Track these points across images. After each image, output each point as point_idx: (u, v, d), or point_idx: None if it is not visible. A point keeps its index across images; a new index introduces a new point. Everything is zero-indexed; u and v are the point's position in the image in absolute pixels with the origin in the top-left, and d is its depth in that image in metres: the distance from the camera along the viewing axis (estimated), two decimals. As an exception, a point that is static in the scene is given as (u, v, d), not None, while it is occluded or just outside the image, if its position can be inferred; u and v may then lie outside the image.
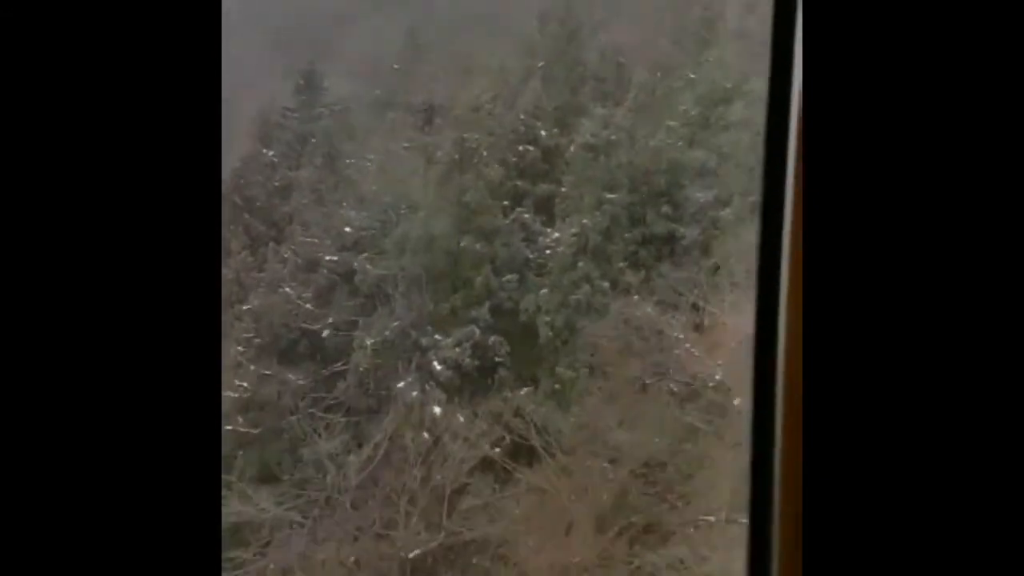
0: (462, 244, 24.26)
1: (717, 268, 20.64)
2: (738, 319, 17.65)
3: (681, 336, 19.68)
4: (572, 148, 23.84)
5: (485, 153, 24.55)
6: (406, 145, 25.44)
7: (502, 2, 45.14)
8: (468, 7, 46.53)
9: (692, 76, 25.10)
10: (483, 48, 36.97)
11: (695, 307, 20.27)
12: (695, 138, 23.76)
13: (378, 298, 25.25)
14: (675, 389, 19.03)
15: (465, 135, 24.75)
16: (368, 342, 24.36)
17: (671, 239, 23.39)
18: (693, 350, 19.42)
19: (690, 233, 23.02)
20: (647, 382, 19.40)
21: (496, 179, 25.00)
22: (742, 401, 17.41)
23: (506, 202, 27.12)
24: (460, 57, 37.45)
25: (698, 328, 20.16)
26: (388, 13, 49.31)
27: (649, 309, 20.36)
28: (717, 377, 18.68)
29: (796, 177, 2.00)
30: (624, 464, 18.70)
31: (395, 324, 24.52)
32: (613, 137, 22.73)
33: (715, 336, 19.45)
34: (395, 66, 40.57)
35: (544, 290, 24.23)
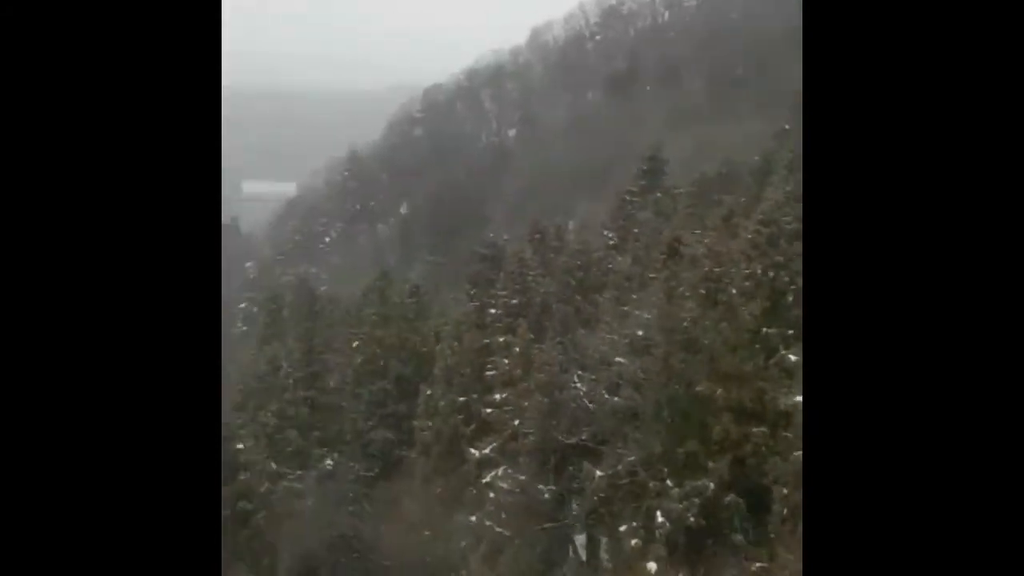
0: (699, 388, 21.45)
1: None
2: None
3: None
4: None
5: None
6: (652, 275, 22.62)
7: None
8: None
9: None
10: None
11: None
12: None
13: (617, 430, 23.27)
14: None
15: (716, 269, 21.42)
16: (597, 474, 22.68)
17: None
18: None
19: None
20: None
21: (748, 317, 21.56)
22: None
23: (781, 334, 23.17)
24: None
25: None
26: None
27: None
28: None
29: None
30: None
31: (630, 459, 22.52)
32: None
33: None
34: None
35: (797, 452, 20.75)
